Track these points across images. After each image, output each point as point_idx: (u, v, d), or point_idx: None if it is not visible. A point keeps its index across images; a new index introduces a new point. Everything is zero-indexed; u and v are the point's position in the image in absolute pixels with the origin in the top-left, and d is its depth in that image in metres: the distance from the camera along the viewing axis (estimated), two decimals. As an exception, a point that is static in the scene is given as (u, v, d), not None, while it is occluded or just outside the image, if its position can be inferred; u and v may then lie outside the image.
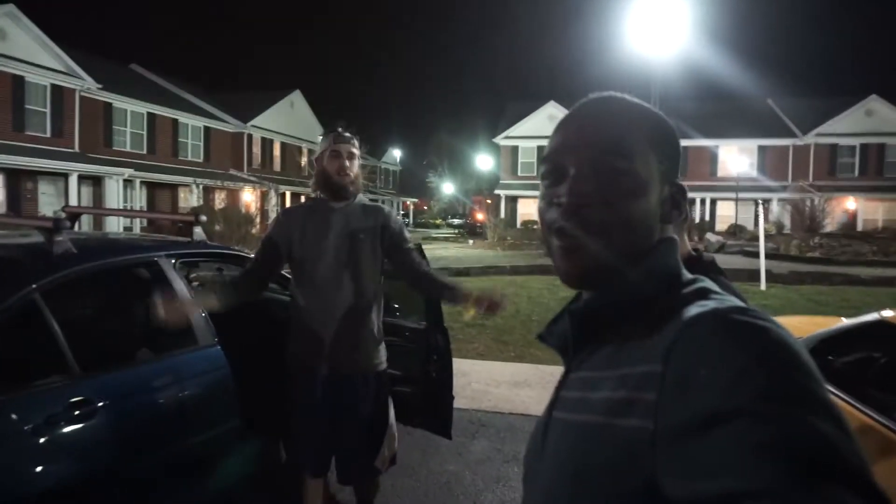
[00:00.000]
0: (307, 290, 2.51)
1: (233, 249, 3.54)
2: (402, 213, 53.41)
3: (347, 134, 2.56)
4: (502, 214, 34.96)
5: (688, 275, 0.72)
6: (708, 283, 0.69)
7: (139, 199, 24.28)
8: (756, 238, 17.27)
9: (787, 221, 28.78)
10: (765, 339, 0.56)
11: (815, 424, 0.49)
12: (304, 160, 35.49)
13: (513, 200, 36.10)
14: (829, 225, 27.19)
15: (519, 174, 36.31)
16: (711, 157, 33.23)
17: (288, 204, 33.08)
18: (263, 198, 29.82)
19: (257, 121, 31.11)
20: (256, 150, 31.97)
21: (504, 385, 5.52)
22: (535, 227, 33.28)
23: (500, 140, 37.03)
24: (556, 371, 5.72)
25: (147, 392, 2.45)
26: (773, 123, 33.66)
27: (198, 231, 3.15)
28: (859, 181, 30.58)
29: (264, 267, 2.62)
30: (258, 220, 26.29)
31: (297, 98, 35.18)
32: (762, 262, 12.81)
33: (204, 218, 3.20)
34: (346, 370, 2.50)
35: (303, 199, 30.80)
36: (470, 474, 3.67)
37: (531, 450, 0.77)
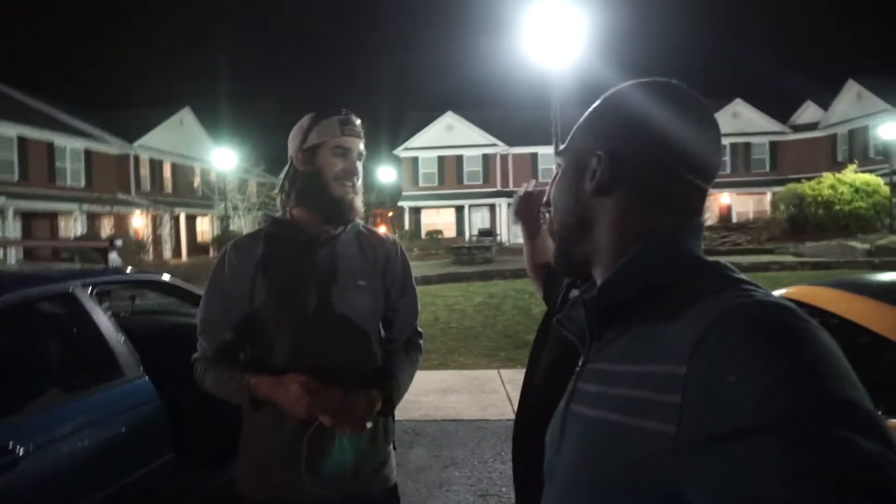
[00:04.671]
0: (273, 369, 1.54)
1: (152, 274, 3.35)
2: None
3: (358, 122, 1.61)
4: (407, 226, 35.10)
5: (706, 258, 0.67)
6: (729, 268, 0.64)
7: (12, 229, 22.18)
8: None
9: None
10: (801, 343, 0.51)
11: (857, 442, 0.45)
12: (197, 180, 33.97)
13: (416, 212, 36.27)
14: (710, 219, 29.54)
15: (420, 185, 36.54)
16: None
17: (183, 228, 31.53)
18: (155, 222, 28.27)
19: (145, 140, 29.35)
20: (145, 171, 30.14)
21: (432, 393, 5.56)
22: (439, 237, 33.70)
23: (399, 152, 37.13)
24: (480, 376, 5.87)
25: (73, 433, 2.28)
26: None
27: (113, 257, 2.98)
28: (731, 178, 33.28)
29: (235, 339, 1.61)
30: (150, 245, 24.93)
31: (186, 115, 33.54)
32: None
33: (120, 242, 3.02)
34: (338, 494, 1.54)
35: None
36: (412, 483, 3.68)
37: (550, 441, 0.74)
